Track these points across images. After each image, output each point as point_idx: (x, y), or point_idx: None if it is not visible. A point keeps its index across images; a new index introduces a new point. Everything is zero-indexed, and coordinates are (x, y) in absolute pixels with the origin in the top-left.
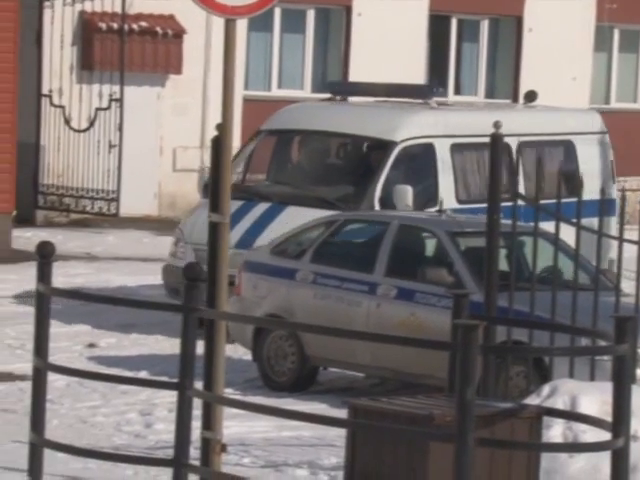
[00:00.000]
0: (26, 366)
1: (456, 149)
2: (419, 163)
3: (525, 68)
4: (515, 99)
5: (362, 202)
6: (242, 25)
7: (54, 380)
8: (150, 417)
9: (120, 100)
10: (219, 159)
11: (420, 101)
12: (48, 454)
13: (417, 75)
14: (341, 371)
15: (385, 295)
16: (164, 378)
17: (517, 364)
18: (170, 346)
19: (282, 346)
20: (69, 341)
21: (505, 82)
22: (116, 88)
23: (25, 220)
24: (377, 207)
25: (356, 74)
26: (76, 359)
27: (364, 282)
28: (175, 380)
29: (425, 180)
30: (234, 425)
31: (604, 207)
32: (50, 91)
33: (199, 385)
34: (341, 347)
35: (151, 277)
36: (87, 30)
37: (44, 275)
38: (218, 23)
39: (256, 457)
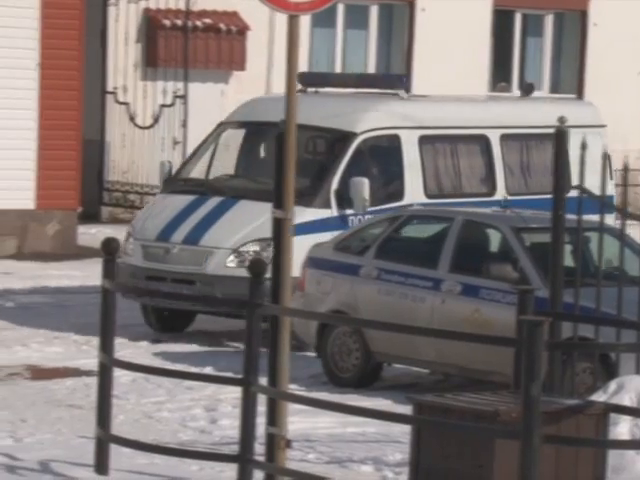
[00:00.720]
0: (92, 362)
1: (425, 141)
2: (383, 156)
3: (590, 63)
4: (580, 94)
5: (317, 196)
6: (305, 21)
7: (120, 376)
8: (215, 413)
9: (184, 97)
10: (283, 155)
11: (390, 92)
12: (114, 449)
13: (481, 70)
14: (405, 367)
15: (449, 291)
16: (229, 374)
17: (583, 360)
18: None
19: (346, 342)
20: (134, 337)
21: (570, 77)
22: (180, 85)
23: (90, 217)
24: (333, 201)
25: (419, 70)
26: (141, 355)
27: (428, 278)
28: (240, 376)
29: (389, 173)
30: (299, 421)
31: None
32: (115, 88)
33: (264, 381)
34: (405, 343)
35: None
36: (151, 27)
37: (109, 271)
38: (281, 19)
39: (321, 453)
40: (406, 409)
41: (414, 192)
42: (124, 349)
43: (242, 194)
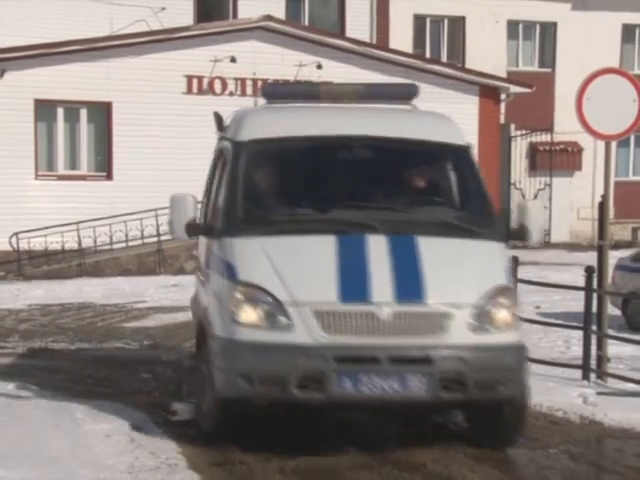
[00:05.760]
0: None
1: None
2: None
3: None
4: None
5: (496, 224)
6: None
7: None
8: None
9: (550, 185)
10: None
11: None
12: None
13: None
14: None
15: None
16: None
17: None
18: None
19: None
20: None
21: None
22: (548, 179)
23: None
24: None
25: None
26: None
27: None
28: None
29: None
30: None
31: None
32: (514, 182)
33: None
34: None
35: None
36: (533, 151)
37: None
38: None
39: None
40: None
41: None
42: None
43: (409, 230)
